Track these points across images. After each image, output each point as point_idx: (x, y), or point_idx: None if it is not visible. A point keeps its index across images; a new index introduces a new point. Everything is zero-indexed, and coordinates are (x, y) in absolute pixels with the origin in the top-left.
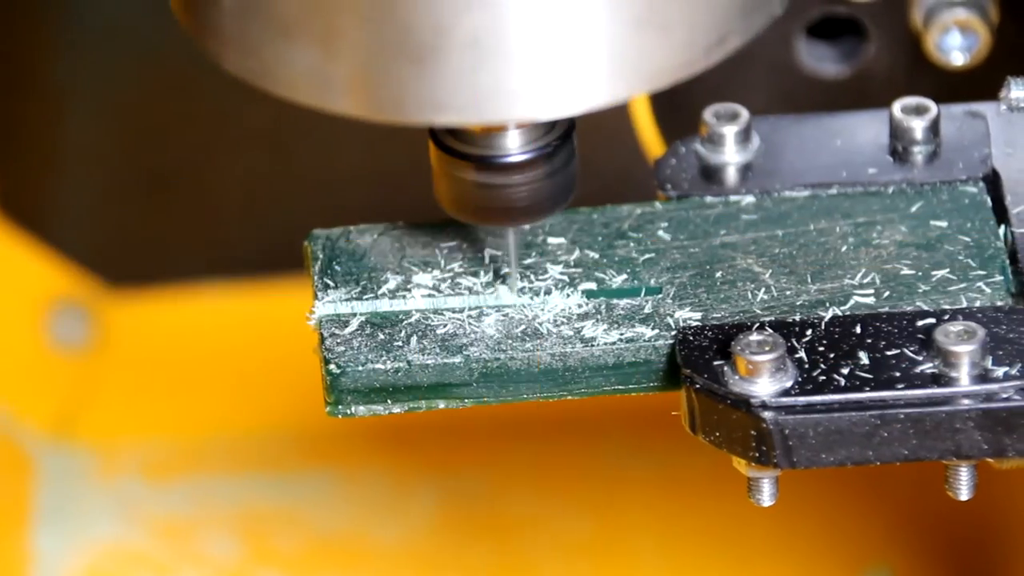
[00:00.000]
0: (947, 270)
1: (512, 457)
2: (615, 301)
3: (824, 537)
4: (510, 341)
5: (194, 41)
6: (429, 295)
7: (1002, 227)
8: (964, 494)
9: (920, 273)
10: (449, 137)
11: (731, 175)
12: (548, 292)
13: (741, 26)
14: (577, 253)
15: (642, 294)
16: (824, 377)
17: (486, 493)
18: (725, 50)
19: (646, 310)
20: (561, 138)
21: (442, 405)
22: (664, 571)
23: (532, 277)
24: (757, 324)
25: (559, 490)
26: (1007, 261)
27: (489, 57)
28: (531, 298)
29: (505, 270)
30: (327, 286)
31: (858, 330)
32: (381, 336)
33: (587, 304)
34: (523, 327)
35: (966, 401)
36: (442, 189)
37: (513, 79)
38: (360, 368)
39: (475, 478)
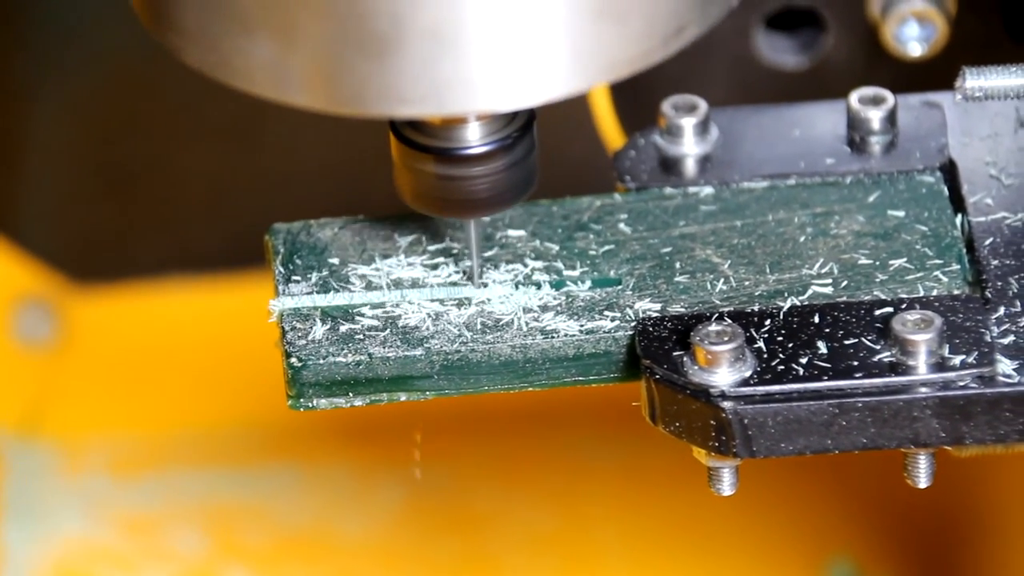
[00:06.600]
0: (904, 259)
1: (476, 451)
2: (575, 293)
3: (788, 527)
4: (471, 333)
5: (153, 35)
6: (390, 288)
7: (959, 216)
8: (923, 482)
9: (878, 262)
10: (409, 129)
11: (690, 166)
12: (508, 285)
13: (699, 16)
14: (537, 245)
15: (602, 286)
16: (783, 367)
17: (451, 486)
18: (683, 40)
19: (606, 302)
20: (521, 129)
21: (404, 398)
22: (629, 562)
23: (492, 270)
24: (716, 314)
25: (523, 483)
26: (964, 250)
27: (448, 48)
28: (492, 291)
29: (467, 262)
30: (288, 280)
31: (816, 320)
32: (342, 329)
33: (547, 296)
34: (483, 319)
35: (924, 389)
36: (403, 181)
37: (473, 70)
38: (321, 361)
39: (440, 472)
